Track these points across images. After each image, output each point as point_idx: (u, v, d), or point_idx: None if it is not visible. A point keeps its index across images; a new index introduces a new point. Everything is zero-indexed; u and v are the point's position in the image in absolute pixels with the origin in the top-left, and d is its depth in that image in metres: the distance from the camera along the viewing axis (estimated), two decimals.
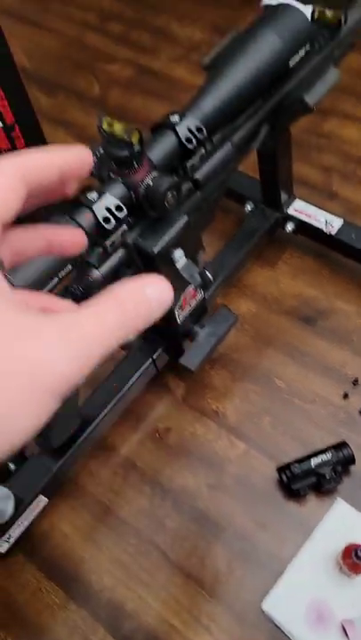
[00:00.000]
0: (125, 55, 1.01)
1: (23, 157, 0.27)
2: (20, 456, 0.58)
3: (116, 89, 0.97)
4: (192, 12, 1.04)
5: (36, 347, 0.22)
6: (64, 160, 0.28)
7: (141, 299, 0.26)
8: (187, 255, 0.48)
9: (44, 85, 0.97)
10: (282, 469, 0.57)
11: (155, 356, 0.61)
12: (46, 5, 1.12)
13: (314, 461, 0.56)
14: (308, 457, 0.56)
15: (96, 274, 0.43)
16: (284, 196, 0.68)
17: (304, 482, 0.56)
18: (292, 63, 0.50)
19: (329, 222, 0.67)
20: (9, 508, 0.54)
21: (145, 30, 1.04)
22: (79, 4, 1.11)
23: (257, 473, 0.59)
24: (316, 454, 0.56)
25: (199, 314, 0.59)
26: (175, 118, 0.45)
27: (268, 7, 0.60)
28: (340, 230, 0.67)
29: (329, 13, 0.54)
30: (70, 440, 0.57)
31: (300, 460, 0.56)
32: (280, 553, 0.55)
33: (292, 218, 0.69)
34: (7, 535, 0.55)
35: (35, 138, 0.70)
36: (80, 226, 0.41)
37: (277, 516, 0.57)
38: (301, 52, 0.50)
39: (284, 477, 0.57)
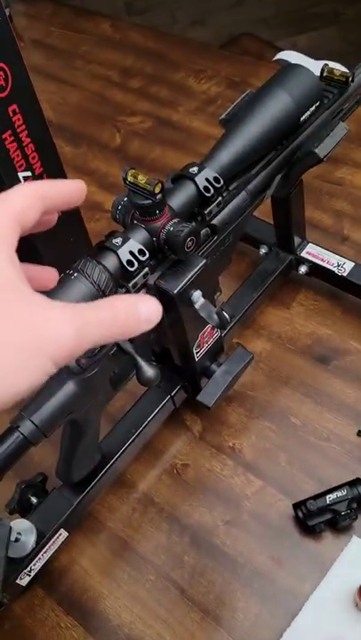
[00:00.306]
0: (145, 108, 1.06)
1: (42, 182, 0.33)
2: (42, 490, 0.59)
3: (136, 140, 1.02)
4: (208, 67, 1.10)
5: (46, 319, 0.28)
6: (71, 188, 0.34)
7: (132, 312, 0.32)
8: (205, 296, 0.51)
9: (69, 137, 1.03)
10: (298, 506, 0.58)
11: (173, 393, 0.63)
12: (71, 63, 1.20)
13: (329, 498, 0.57)
14: (324, 493, 0.57)
15: None
16: (297, 240, 0.71)
17: (320, 518, 0.57)
18: (302, 118, 0.54)
19: (341, 264, 0.70)
20: (31, 541, 0.55)
21: (164, 85, 1.10)
22: (102, 62, 1.18)
23: (273, 509, 0.60)
24: (331, 491, 0.57)
25: (216, 352, 0.62)
26: (194, 169, 0.49)
27: (280, 61, 0.65)
28: (351, 272, 0.69)
29: (337, 72, 0.58)
30: (91, 475, 0.59)
31: (315, 497, 0.57)
32: (297, 590, 0.55)
33: (305, 260, 0.72)
34: (29, 568, 0.56)
35: None
36: (106, 268, 0.44)
37: (294, 553, 0.58)
38: (312, 109, 0.54)
39: (300, 514, 0.57)
